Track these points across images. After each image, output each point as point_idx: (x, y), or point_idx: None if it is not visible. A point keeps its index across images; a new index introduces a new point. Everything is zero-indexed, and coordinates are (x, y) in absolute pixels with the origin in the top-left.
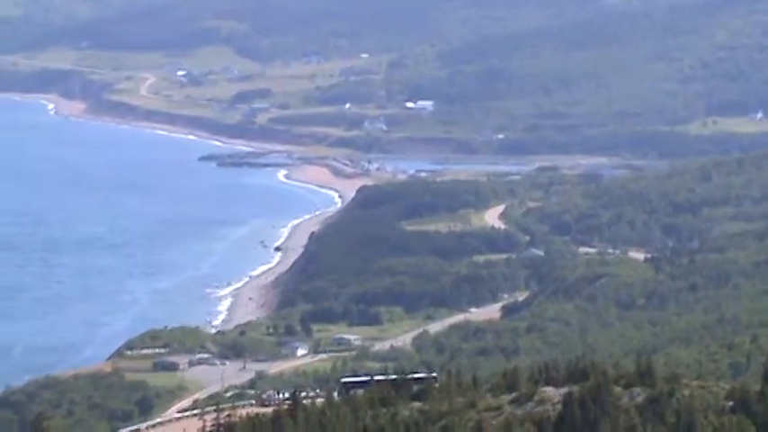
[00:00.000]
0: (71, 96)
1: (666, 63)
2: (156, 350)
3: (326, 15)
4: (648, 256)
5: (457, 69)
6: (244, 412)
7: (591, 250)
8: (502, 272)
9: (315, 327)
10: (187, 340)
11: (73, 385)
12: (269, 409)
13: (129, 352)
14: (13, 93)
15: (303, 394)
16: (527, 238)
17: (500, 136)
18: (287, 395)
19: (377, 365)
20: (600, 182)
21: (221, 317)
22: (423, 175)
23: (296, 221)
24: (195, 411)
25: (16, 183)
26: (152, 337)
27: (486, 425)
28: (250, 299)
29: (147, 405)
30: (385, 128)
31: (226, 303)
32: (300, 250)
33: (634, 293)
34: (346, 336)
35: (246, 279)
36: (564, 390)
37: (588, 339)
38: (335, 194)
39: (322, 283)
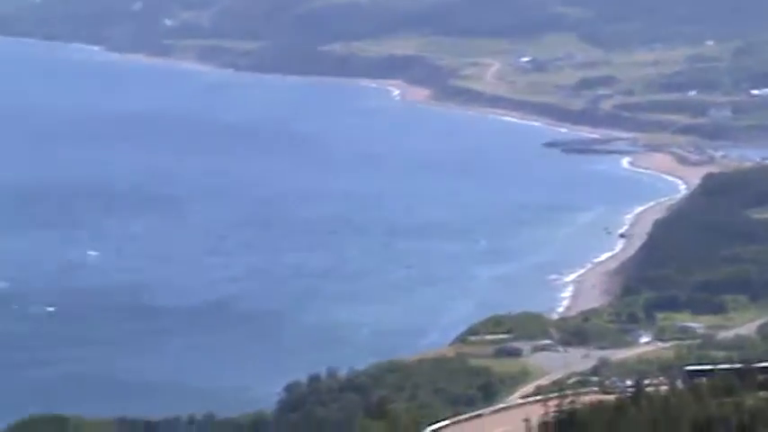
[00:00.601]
0: (416, 82)
1: None
2: (500, 336)
3: (671, 2)
4: None
5: None
6: (586, 399)
7: None
8: None
9: (658, 314)
10: (530, 326)
11: (417, 369)
12: (611, 397)
13: (472, 337)
14: (360, 78)
15: (646, 382)
16: None
17: None
18: (630, 382)
19: (721, 354)
20: None
21: (564, 303)
22: None
23: (640, 208)
24: (538, 397)
25: (361, 168)
26: (495, 323)
27: None
28: (593, 286)
29: (490, 390)
30: (730, 115)
31: (569, 290)
32: (644, 237)
33: None
34: (690, 324)
35: (590, 266)
36: None
37: None
38: (680, 182)
39: (666, 271)
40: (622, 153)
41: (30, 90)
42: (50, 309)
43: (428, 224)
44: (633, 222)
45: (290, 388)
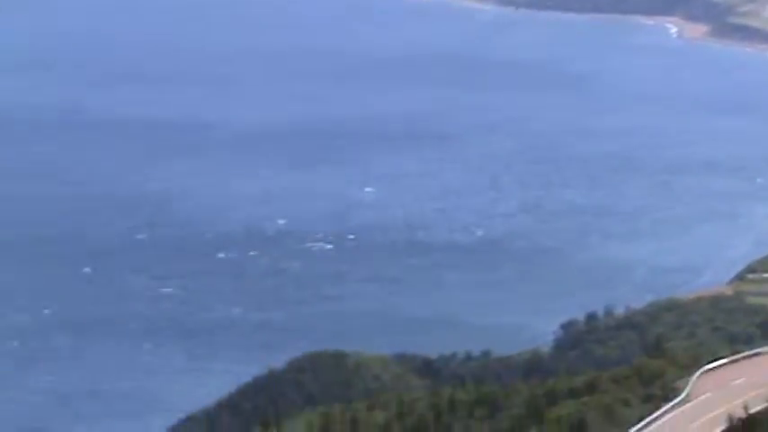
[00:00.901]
0: (694, 19)
1: None
2: None
3: None
4: None
5: None
6: None
7: None
8: None
9: None
10: None
11: (694, 307)
12: None
13: (750, 275)
14: (637, 15)
15: None
16: None
17: None
18: None
19: None
20: None
21: None
22: None
23: None
24: None
25: (639, 106)
26: None
27: None
28: None
29: None
30: None
31: None
32: None
33: None
34: None
35: None
36: None
37: None
38: None
39: None
40: None
41: (310, 30)
42: (328, 246)
43: (705, 162)
44: None
45: (566, 326)
